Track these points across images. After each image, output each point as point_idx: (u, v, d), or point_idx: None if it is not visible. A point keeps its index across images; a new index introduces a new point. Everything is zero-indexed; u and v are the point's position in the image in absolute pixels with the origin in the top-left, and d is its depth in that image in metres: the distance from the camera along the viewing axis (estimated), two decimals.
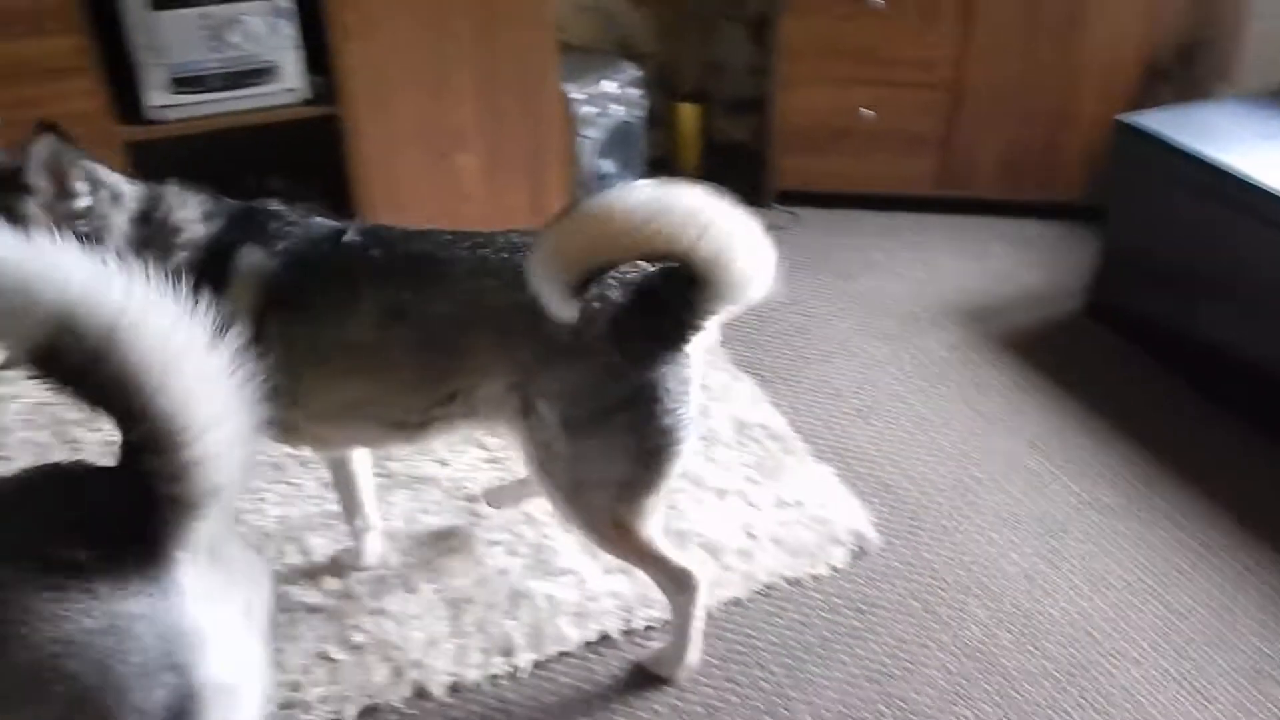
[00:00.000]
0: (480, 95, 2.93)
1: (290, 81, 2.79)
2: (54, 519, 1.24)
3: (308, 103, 2.84)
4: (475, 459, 2.55)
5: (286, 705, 1.94)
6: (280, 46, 2.73)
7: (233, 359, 1.20)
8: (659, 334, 1.69)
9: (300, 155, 3.01)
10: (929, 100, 3.41)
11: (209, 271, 1.72)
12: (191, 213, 1.78)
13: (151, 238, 1.74)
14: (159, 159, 2.74)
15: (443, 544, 2.30)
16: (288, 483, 2.48)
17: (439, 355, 1.76)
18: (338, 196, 2.94)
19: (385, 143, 2.90)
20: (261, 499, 2.43)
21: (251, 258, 1.76)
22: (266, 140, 2.88)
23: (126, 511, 1.21)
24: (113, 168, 1.77)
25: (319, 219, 1.84)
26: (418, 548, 2.30)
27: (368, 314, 1.74)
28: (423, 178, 2.99)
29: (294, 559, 2.27)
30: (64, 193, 1.68)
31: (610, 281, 1.69)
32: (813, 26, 3.34)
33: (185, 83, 2.68)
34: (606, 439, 1.72)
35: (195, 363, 1.18)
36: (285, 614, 2.13)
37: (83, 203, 1.70)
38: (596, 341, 1.68)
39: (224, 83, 2.69)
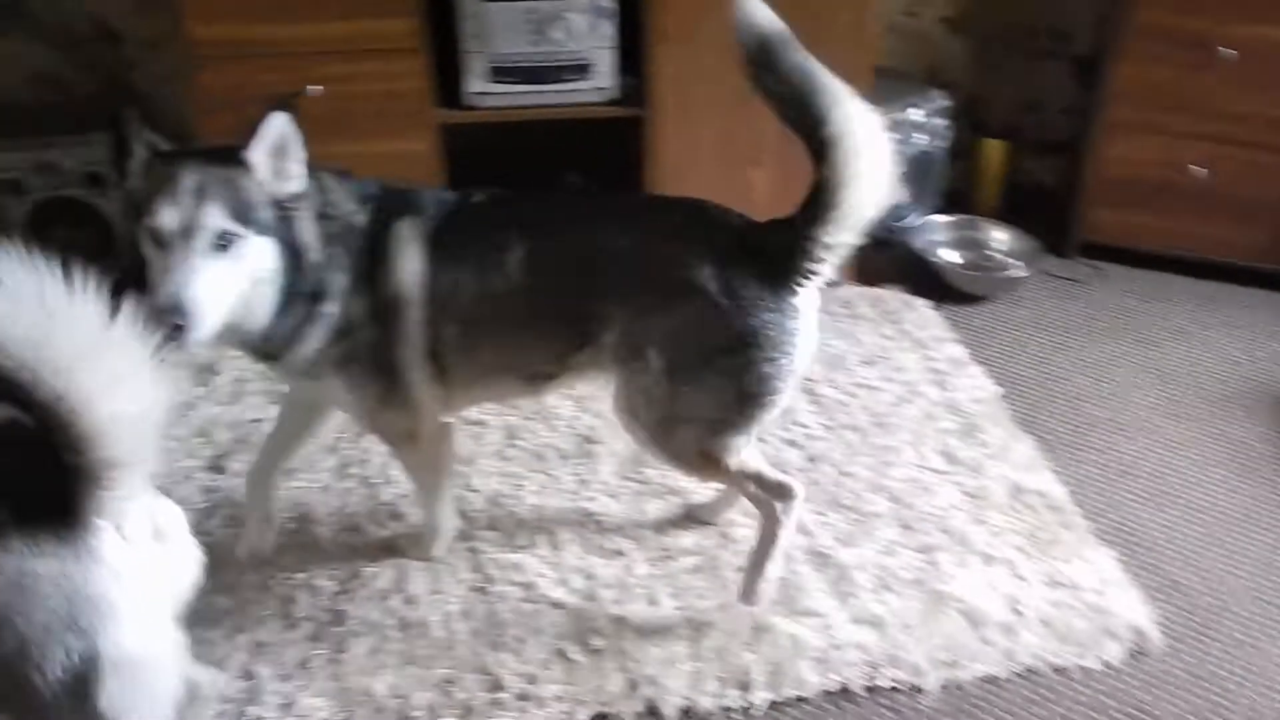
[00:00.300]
0: None
1: (602, 80, 2.82)
2: None
3: (614, 102, 2.86)
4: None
5: (522, 696, 1.95)
6: (597, 45, 2.77)
7: (134, 338, 1.23)
8: (766, 280, 1.79)
9: (598, 153, 3.05)
10: (1273, 164, 3.09)
11: (373, 251, 1.85)
12: (351, 202, 1.86)
13: (331, 230, 1.82)
14: (465, 142, 2.84)
15: (689, 560, 2.26)
16: (546, 474, 2.51)
17: (573, 301, 1.89)
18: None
19: (685, 149, 2.89)
20: (519, 485, 2.47)
21: (406, 231, 1.87)
22: (568, 134, 2.93)
23: (48, 476, 1.24)
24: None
25: (443, 190, 1.99)
26: (663, 559, 2.26)
27: (515, 265, 1.86)
28: (715, 188, 2.92)
29: (542, 550, 2.28)
30: (280, 174, 1.72)
31: (717, 226, 1.85)
32: (1151, 73, 3.09)
33: (504, 73, 2.75)
34: (705, 382, 1.84)
35: (77, 340, 1.19)
36: (531, 605, 2.15)
37: (293, 187, 1.74)
38: (704, 285, 1.78)
39: (540, 76, 2.75)
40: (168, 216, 1.63)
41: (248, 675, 2.05)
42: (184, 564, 1.50)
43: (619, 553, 2.29)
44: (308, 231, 1.77)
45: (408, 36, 2.69)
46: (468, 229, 1.89)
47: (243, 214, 1.67)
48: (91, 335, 1.20)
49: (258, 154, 1.69)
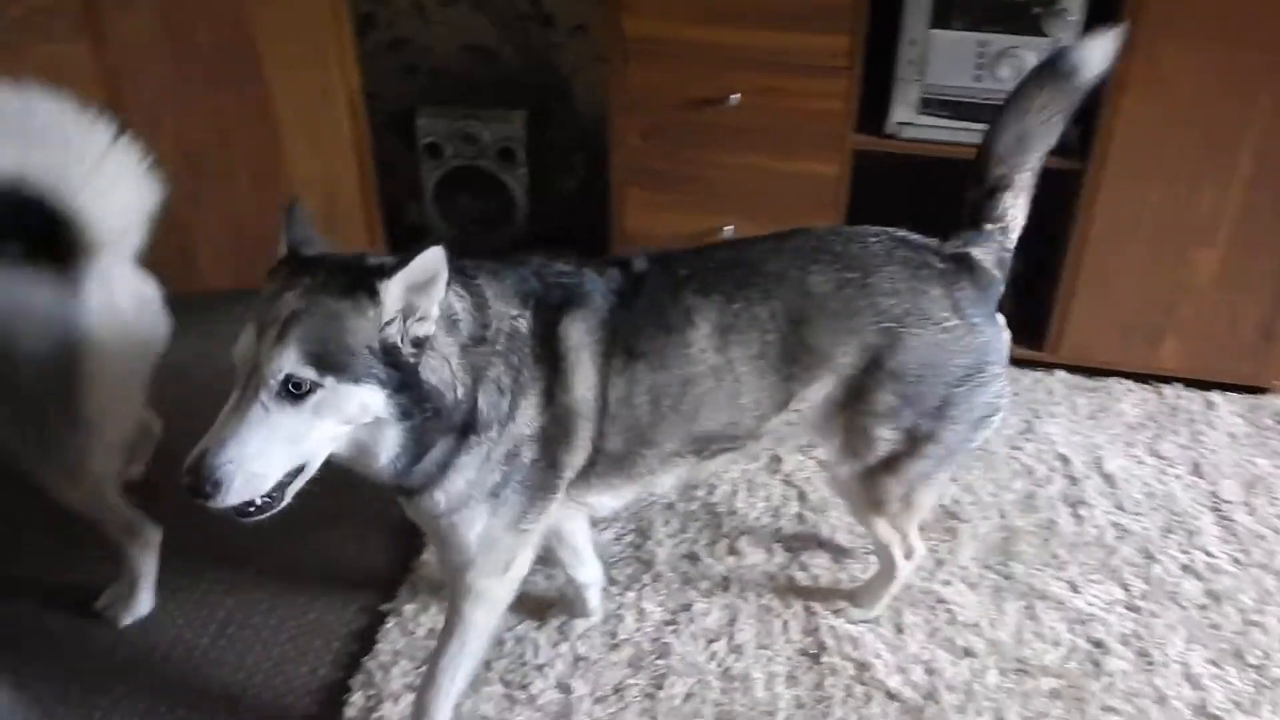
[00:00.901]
0: (1255, 183, 2.47)
1: None
2: None
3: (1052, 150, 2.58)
4: (1114, 596, 2.18)
5: None
6: None
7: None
8: (982, 294, 1.72)
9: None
10: None
11: (544, 356, 1.60)
12: (513, 305, 1.59)
13: (486, 354, 1.54)
14: (869, 169, 2.67)
15: (1049, 682, 1.99)
16: None
17: (780, 359, 1.69)
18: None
19: (1123, 214, 2.57)
20: (869, 551, 2.28)
21: (576, 334, 1.62)
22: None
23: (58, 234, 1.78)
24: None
25: (602, 264, 1.70)
26: (1019, 673, 2.01)
27: (705, 337, 1.66)
28: (1146, 264, 2.62)
29: (884, 629, 2.09)
30: (412, 312, 1.42)
31: (923, 247, 1.73)
32: None
33: (934, 104, 2.55)
34: (941, 413, 1.73)
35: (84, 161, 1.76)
36: (862, 688, 1.96)
37: (422, 330, 1.44)
38: (932, 311, 1.68)
39: (974, 113, 2.52)
40: (240, 345, 1.40)
41: (564, 689, 2.01)
42: (154, 328, 1.96)
43: (969, 652, 2.06)
44: (442, 370, 1.48)
45: (840, 56, 2.54)
46: (643, 313, 1.65)
47: (332, 359, 1.37)
48: (93, 156, 1.77)
49: (394, 288, 1.39)
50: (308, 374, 1.35)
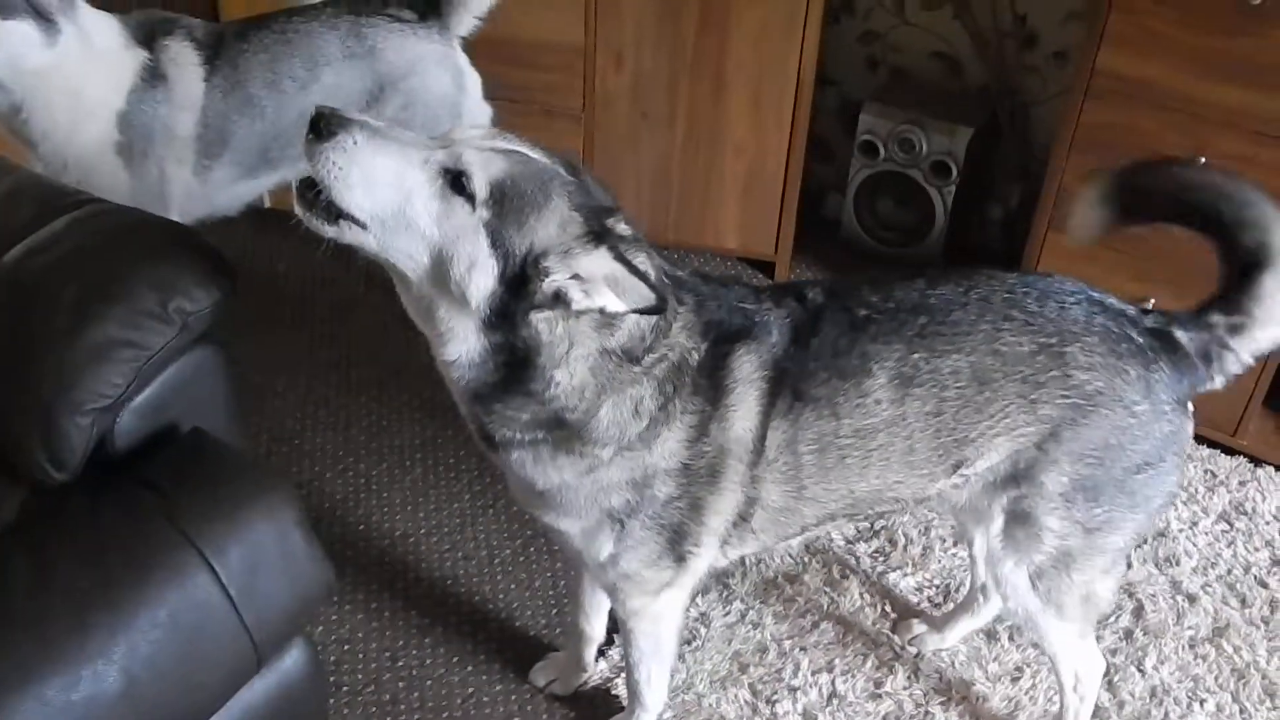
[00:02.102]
0: None
1: None
2: None
3: None
4: None
5: None
6: None
7: None
8: (1177, 380, 1.54)
9: None
10: None
11: (706, 389, 1.46)
12: (694, 338, 1.46)
13: (640, 375, 1.42)
14: None
15: None
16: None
17: (955, 421, 1.53)
18: None
19: None
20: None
21: (745, 368, 1.48)
22: None
23: None
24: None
25: (780, 294, 1.56)
26: None
27: (881, 387, 1.50)
28: None
29: None
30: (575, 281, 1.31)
31: (1122, 316, 1.55)
32: None
33: None
34: (1116, 503, 1.58)
35: None
36: None
37: (571, 300, 1.31)
38: (1124, 392, 1.51)
39: None
40: (487, 136, 1.37)
41: (809, 719, 1.94)
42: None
43: None
44: (556, 341, 1.35)
45: None
46: (817, 354, 1.50)
47: (501, 207, 1.29)
48: None
49: (598, 260, 1.30)
50: (483, 188, 1.28)
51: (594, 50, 2.85)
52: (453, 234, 1.29)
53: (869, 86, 3.22)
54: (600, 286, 1.31)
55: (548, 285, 1.30)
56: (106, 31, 2.06)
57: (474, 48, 2.40)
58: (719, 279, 1.56)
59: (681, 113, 2.93)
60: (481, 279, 1.30)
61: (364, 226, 1.31)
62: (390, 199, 1.29)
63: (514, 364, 1.37)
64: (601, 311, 1.33)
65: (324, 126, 1.27)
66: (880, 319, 1.52)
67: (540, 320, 1.33)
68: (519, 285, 1.31)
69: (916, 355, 1.51)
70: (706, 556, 1.61)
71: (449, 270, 1.30)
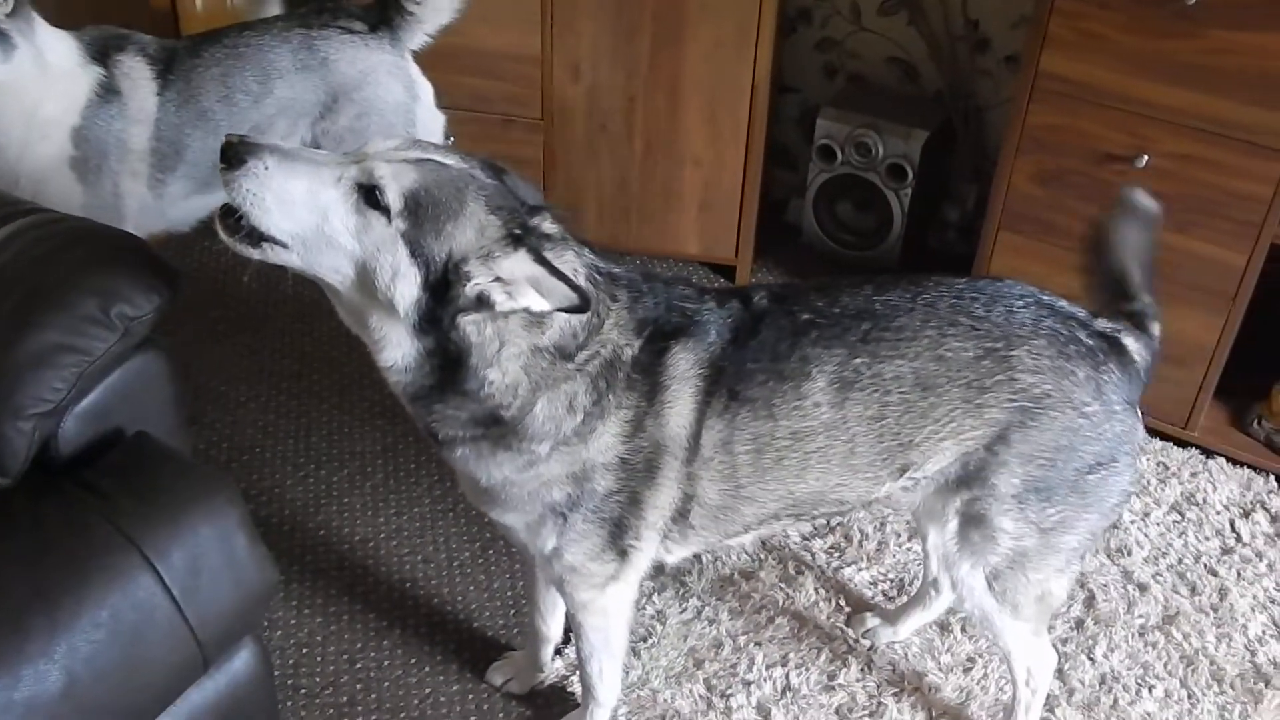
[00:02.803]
0: None
1: None
2: None
3: None
4: None
5: None
6: None
7: None
8: (1126, 377, 1.58)
9: None
10: None
11: (640, 384, 1.48)
12: (628, 334, 1.48)
13: (573, 372, 1.45)
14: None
15: None
16: (1187, 689, 2.00)
17: (899, 425, 1.55)
18: None
19: None
20: (1147, 686, 2.01)
21: (685, 359, 1.50)
22: None
23: None
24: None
25: (722, 294, 1.58)
26: None
27: (820, 390, 1.52)
28: None
29: None
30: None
31: (1070, 318, 1.58)
32: None
33: None
34: (1074, 504, 1.60)
35: None
36: None
37: (495, 301, 1.34)
38: (1073, 393, 1.54)
39: None
40: (392, 140, 1.41)
41: (763, 713, 1.96)
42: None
43: None
44: (486, 342, 1.38)
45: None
46: (755, 355, 1.52)
47: (418, 216, 1.32)
48: None
49: (518, 262, 1.33)
50: (396, 200, 1.31)
51: (550, 62, 2.88)
52: (372, 247, 1.33)
53: (828, 93, 3.26)
54: (523, 287, 1.33)
55: (470, 289, 1.33)
56: (61, 48, 2.08)
57: (432, 57, 2.44)
58: (665, 278, 1.59)
59: (639, 127, 2.96)
60: (405, 288, 1.33)
61: (286, 246, 1.35)
62: (307, 218, 1.33)
63: (448, 366, 1.40)
64: (527, 311, 1.36)
65: (234, 155, 1.31)
66: (823, 323, 1.55)
67: (468, 323, 1.36)
68: (443, 291, 1.34)
69: (858, 360, 1.53)
70: (648, 551, 1.64)
71: (374, 281, 1.34)
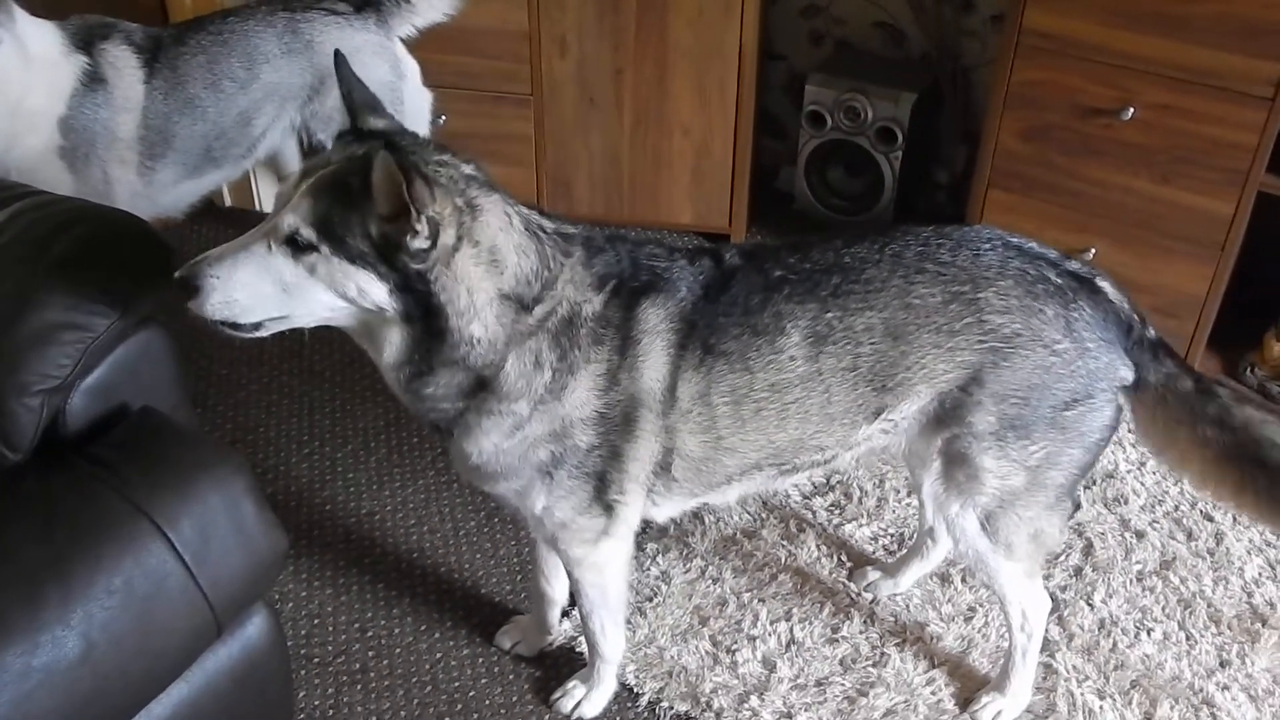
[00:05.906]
0: None
1: None
2: None
3: None
4: None
5: None
6: None
7: None
8: (1099, 311, 1.60)
9: None
10: None
11: (612, 339, 1.54)
12: (585, 290, 1.53)
13: (534, 327, 1.51)
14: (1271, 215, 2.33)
15: None
16: (1185, 631, 2.03)
17: (872, 374, 1.60)
18: None
19: None
20: (1133, 633, 2.03)
21: (651, 319, 1.55)
22: None
23: None
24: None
25: (694, 252, 1.62)
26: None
27: (795, 345, 1.57)
28: None
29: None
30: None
31: (1038, 258, 1.61)
32: None
33: None
34: (1055, 440, 1.62)
35: None
36: None
37: (417, 244, 1.39)
38: (1044, 330, 1.56)
39: None
40: (281, 189, 1.48)
41: (769, 665, 2.00)
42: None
43: None
44: (457, 296, 1.44)
45: (1265, 84, 2.23)
46: (727, 309, 1.57)
47: (332, 230, 1.38)
48: None
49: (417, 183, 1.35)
50: (309, 235, 1.39)
51: (538, 37, 2.90)
52: (328, 278, 1.41)
53: (815, 60, 3.27)
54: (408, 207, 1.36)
55: (394, 236, 1.38)
56: (45, 38, 2.10)
57: (420, 35, 2.46)
58: (632, 238, 1.63)
59: (627, 98, 2.98)
60: (373, 289, 1.42)
61: (280, 317, 1.47)
62: (272, 292, 1.43)
63: (435, 344, 1.48)
64: (428, 221, 1.37)
65: (186, 286, 1.42)
66: (795, 279, 1.59)
67: (431, 274, 1.42)
68: (394, 263, 1.40)
69: (830, 315, 1.58)
70: (634, 505, 1.69)
71: (354, 299, 1.43)
